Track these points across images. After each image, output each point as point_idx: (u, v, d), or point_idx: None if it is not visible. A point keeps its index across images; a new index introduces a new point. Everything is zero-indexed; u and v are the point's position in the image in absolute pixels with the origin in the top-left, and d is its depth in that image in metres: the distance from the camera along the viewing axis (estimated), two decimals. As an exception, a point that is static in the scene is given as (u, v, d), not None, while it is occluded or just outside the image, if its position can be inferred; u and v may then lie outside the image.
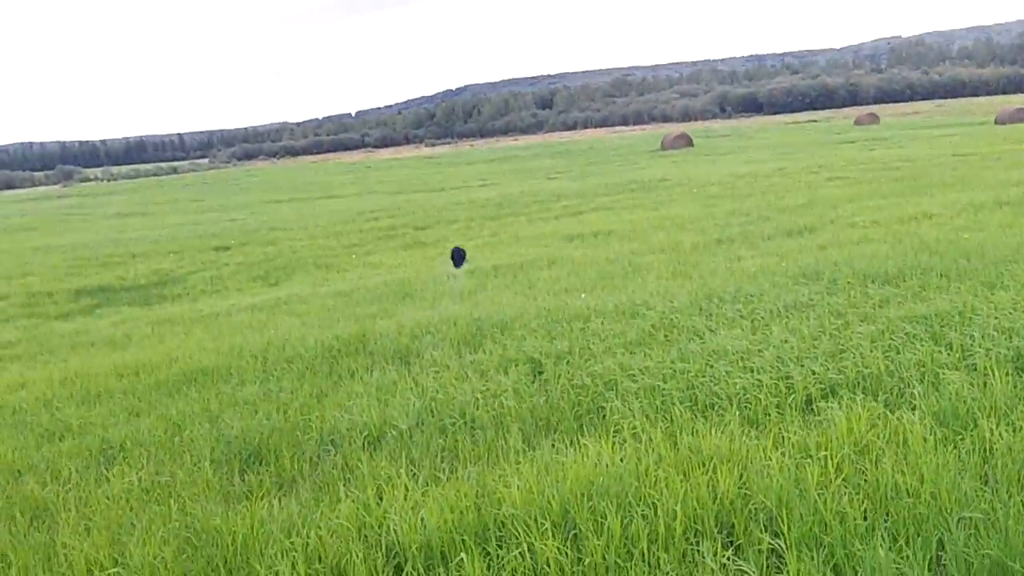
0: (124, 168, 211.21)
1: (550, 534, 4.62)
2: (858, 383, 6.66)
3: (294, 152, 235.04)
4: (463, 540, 4.76)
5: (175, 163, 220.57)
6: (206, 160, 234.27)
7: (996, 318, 7.78)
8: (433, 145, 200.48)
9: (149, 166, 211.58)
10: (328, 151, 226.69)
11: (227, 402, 8.70)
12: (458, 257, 21.14)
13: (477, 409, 7.17)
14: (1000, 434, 5.31)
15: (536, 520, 4.76)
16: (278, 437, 7.18)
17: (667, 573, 4.28)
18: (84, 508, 6.20)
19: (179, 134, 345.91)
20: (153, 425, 8.15)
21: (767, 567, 4.30)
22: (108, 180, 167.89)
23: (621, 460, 5.48)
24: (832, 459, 5.14)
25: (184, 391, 9.55)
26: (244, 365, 10.29)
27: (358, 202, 53.85)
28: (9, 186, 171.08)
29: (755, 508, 4.75)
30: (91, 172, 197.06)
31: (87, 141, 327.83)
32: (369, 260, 25.82)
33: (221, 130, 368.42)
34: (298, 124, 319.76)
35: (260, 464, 6.80)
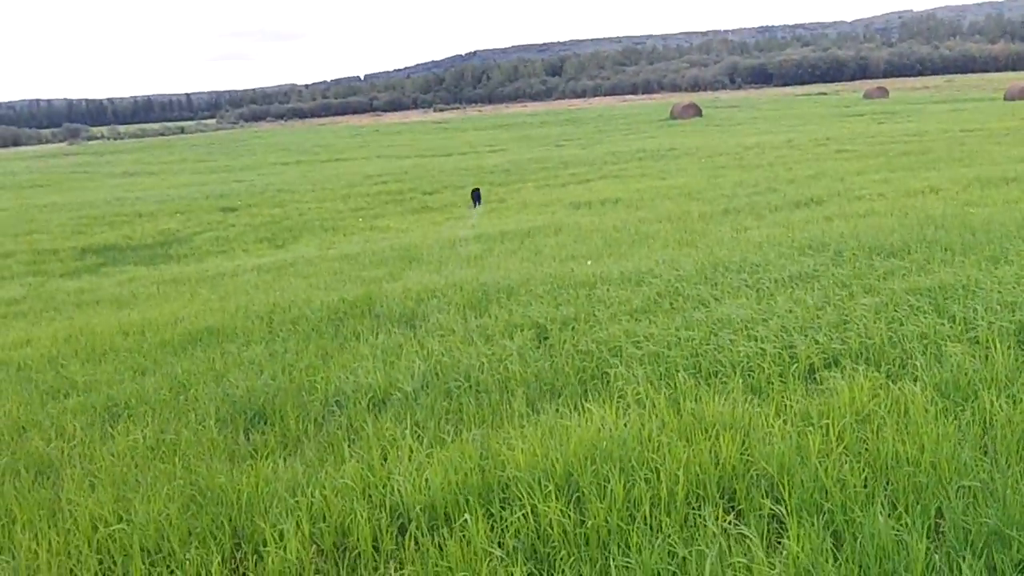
0: (131, 127, 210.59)
1: (553, 496, 4.65)
2: (861, 353, 6.69)
3: (302, 114, 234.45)
4: (467, 501, 4.80)
5: (182, 123, 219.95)
6: (213, 121, 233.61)
7: (999, 292, 7.80)
8: (442, 110, 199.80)
9: (156, 126, 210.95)
10: (336, 114, 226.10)
11: (232, 362, 8.73)
12: (476, 197, 22.49)
13: (482, 373, 7.20)
14: (1000, 406, 5.33)
15: (540, 482, 4.79)
16: (283, 397, 7.21)
17: (669, 536, 4.31)
18: (89, 465, 6.23)
19: (187, 94, 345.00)
20: (159, 384, 8.18)
21: (768, 532, 4.34)
22: (115, 139, 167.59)
23: (625, 425, 5.52)
24: (834, 427, 5.17)
25: (190, 350, 9.58)
26: (250, 326, 10.33)
27: (366, 165, 53.79)
28: (16, 143, 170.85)
29: (757, 474, 4.79)
30: (98, 131, 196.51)
31: (94, 99, 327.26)
32: (376, 224, 25.86)
33: (229, 91, 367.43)
34: (306, 86, 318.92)
35: (265, 424, 6.84)
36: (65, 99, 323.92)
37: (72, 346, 10.61)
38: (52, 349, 10.53)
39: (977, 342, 6.64)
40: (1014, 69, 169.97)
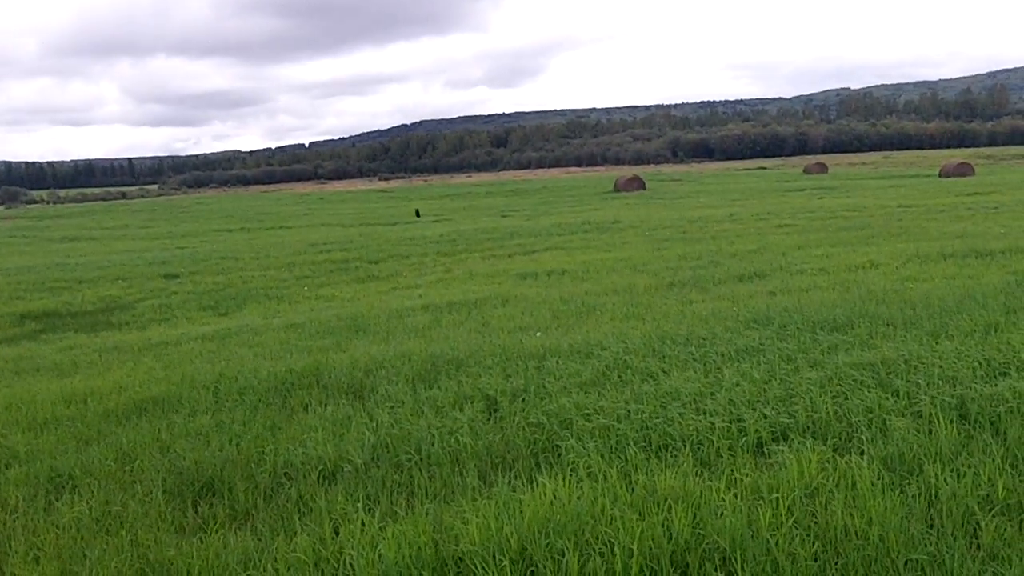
0: (71, 192, 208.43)
1: (508, 571, 4.65)
2: (808, 427, 6.79)
3: (245, 181, 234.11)
4: (421, 575, 4.79)
5: (124, 188, 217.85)
6: (156, 187, 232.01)
7: (940, 367, 7.96)
8: (387, 179, 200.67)
9: (97, 190, 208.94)
10: (280, 181, 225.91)
11: (179, 432, 8.61)
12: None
13: (433, 445, 7.19)
14: (945, 479, 5.45)
15: (494, 556, 4.80)
16: (232, 469, 7.13)
17: (623, 611, 4.34)
18: (33, 537, 6.11)
19: (128, 159, 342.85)
20: (103, 454, 8.04)
21: (721, 606, 4.38)
22: (54, 203, 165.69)
23: (578, 498, 5.54)
24: (783, 501, 5.24)
25: (134, 420, 9.44)
26: (196, 395, 10.20)
27: (310, 233, 53.71)
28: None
29: (709, 548, 4.83)
30: (37, 195, 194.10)
31: (34, 163, 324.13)
32: (321, 292, 25.74)
33: (172, 157, 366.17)
34: (250, 153, 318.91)
35: (214, 496, 6.75)
36: (3, 161, 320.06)
37: (12, 415, 10.39)
38: (-9, 418, 10.32)
39: (920, 416, 6.78)
40: (948, 147, 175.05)
